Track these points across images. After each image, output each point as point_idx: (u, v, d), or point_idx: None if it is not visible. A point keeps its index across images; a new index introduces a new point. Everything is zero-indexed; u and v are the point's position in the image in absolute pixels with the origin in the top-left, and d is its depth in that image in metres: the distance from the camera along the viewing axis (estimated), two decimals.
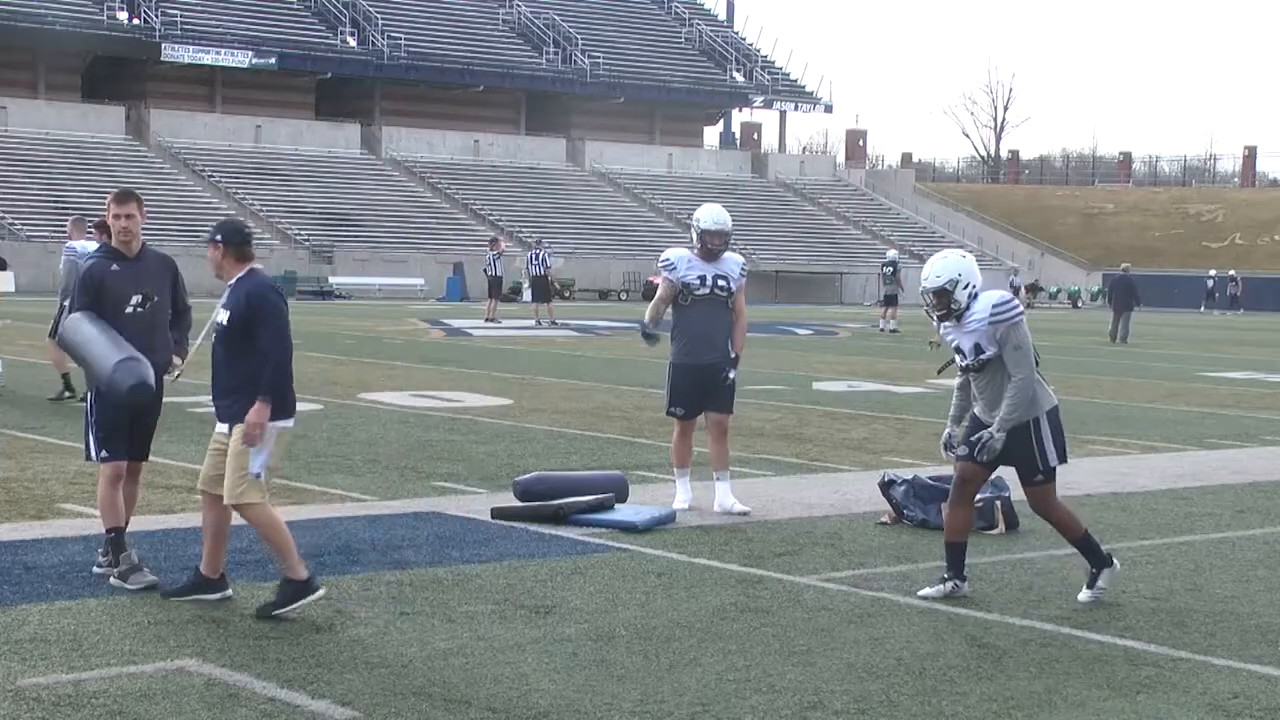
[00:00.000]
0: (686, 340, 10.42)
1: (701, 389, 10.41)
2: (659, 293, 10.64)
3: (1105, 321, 37.33)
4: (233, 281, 7.36)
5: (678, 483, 10.58)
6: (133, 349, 7.64)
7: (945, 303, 7.87)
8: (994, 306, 7.80)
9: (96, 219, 13.98)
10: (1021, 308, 7.97)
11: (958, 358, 8.01)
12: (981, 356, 7.83)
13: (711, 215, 10.44)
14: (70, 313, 7.95)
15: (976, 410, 8.01)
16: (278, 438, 7.29)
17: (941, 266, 7.92)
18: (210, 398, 7.46)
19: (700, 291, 10.32)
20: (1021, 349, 7.76)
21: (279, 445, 7.33)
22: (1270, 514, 11.01)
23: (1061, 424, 7.98)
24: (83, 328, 7.72)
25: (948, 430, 8.22)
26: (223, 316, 7.32)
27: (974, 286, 7.89)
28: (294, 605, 7.11)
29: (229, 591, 7.40)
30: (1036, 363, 7.89)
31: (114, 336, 7.66)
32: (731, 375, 10.50)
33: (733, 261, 10.47)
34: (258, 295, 7.27)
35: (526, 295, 47.71)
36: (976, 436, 7.82)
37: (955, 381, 8.23)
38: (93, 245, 16.22)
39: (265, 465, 7.25)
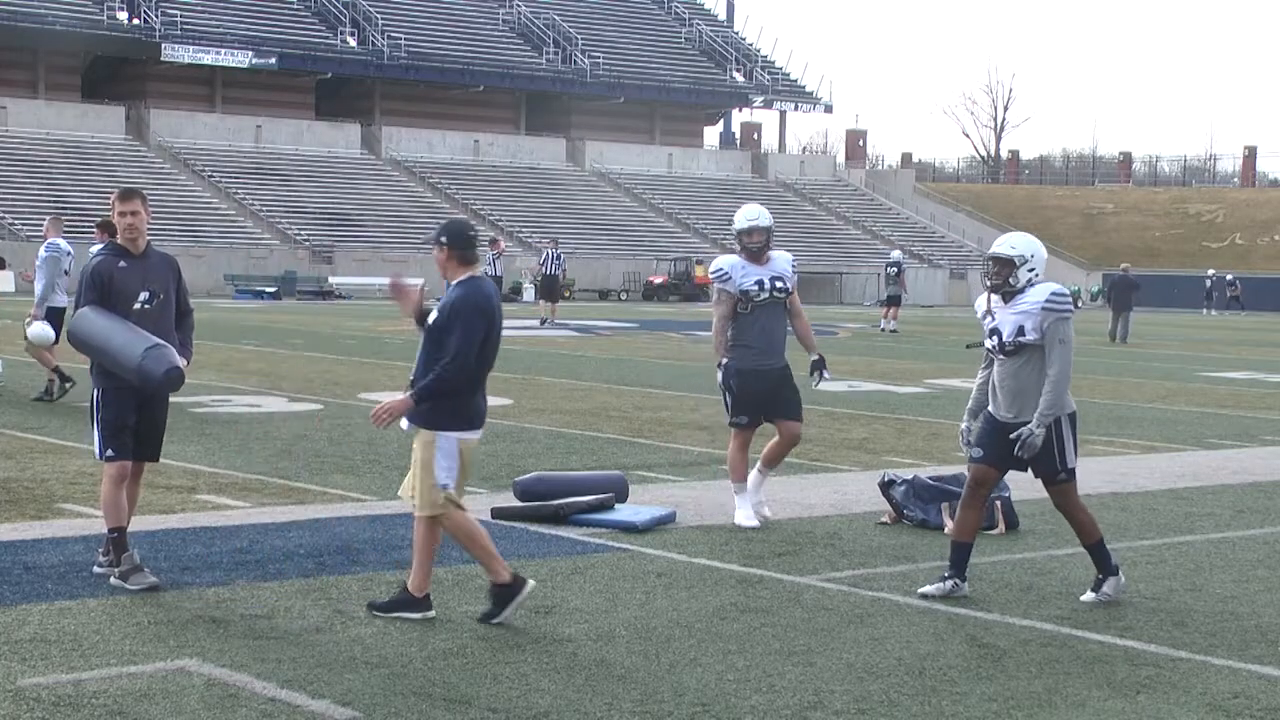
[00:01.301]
0: (751, 347, 9.86)
1: (768, 397, 9.92)
2: (719, 311, 9.97)
3: (1105, 321, 37.31)
4: (453, 283, 7.31)
5: (738, 499, 9.94)
6: (150, 335, 7.65)
7: (1005, 275, 7.89)
8: (1053, 294, 7.85)
9: (98, 218, 14.03)
10: (1072, 306, 8.00)
11: (990, 341, 7.99)
12: (1021, 339, 7.82)
13: (745, 214, 9.99)
14: (77, 309, 7.95)
15: (991, 407, 8.01)
16: (461, 450, 7.18)
17: (1019, 240, 8.00)
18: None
19: (761, 297, 9.84)
20: (1066, 344, 7.79)
21: (464, 458, 7.22)
22: (1270, 514, 11.01)
23: (1077, 429, 8.01)
24: (95, 320, 7.71)
25: (965, 423, 8.23)
26: (432, 317, 7.27)
27: (1037, 273, 7.93)
28: (509, 609, 7.06)
29: (432, 613, 7.20)
30: None
31: (130, 326, 7.68)
32: (827, 375, 10.26)
33: (783, 260, 10.07)
34: (462, 301, 7.17)
35: (528, 295, 47.73)
36: (1017, 434, 7.81)
37: (977, 378, 8.23)
38: (64, 243, 16.32)
39: (452, 476, 7.15)
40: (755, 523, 9.76)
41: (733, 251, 10.12)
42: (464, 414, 7.19)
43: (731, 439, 10.10)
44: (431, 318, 7.23)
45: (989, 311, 8.03)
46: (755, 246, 9.91)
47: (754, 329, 9.88)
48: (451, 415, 7.15)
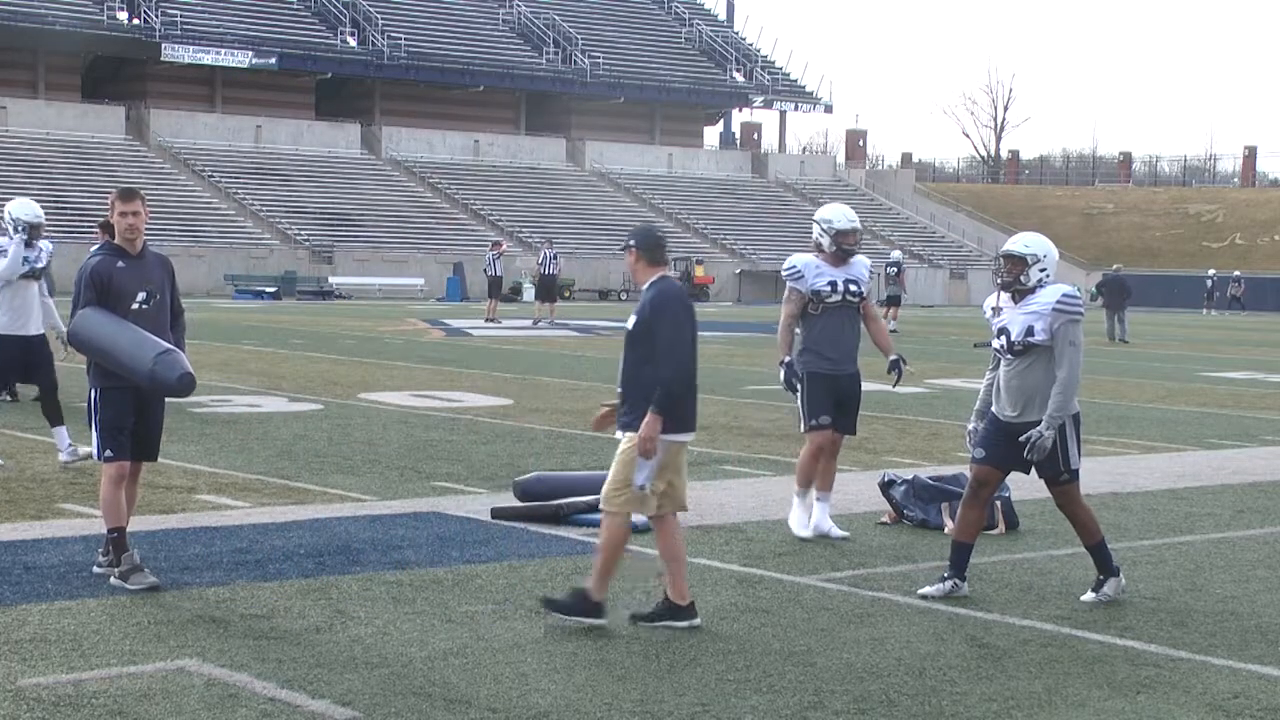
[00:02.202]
0: (823, 351, 9.57)
1: (838, 402, 9.63)
2: (787, 309, 9.66)
3: (1103, 322, 37.32)
4: (644, 287, 7.33)
5: (798, 503, 9.65)
6: (159, 340, 7.65)
7: (1017, 273, 7.89)
8: (1065, 295, 7.85)
9: (99, 219, 14.00)
10: (1084, 308, 7.99)
11: (997, 341, 7.99)
12: (1030, 339, 7.82)
13: (844, 214, 9.71)
14: (76, 310, 7.93)
15: (995, 407, 8.00)
16: (668, 451, 7.17)
17: (1033, 240, 8.00)
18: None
19: (832, 299, 9.55)
20: (1076, 347, 7.79)
21: (669, 459, 7.19)
22: (1270, 514, 11.01)
23: (1080, 430, 8.01)
24: (100, 322, 7.71)
25: (972, 424, 8.22)
26: (630, 321, 7.28)
27: (1048, 274, 7.93)
28: (573, 618, 7.02)
29: (698, 620, 7.15)
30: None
31: (135, 329, 7.67)
32: (907, 368, 10.03)
33: (861, 264, 9.77)
34: (659, 301, 7.18)
35: (528, 295, 47.70)
36: (1025, 436, 7.80)
37: (984, 378, 8.22)
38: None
39: (650, 479, 7.12)
40: (808, 533, 9.46)
41: (803, 252, 9.83)
42: (675, 415, 7.17)
43: (809, 442, 9.59)
44: (631, 323, 7.24)
45: (996, 308, 8.02)
46: (849, 247, 9.65)
47: (823, 332, 9.57)
48: (667, 420, 7.12)
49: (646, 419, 7.05)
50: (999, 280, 8.01)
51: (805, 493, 9.61)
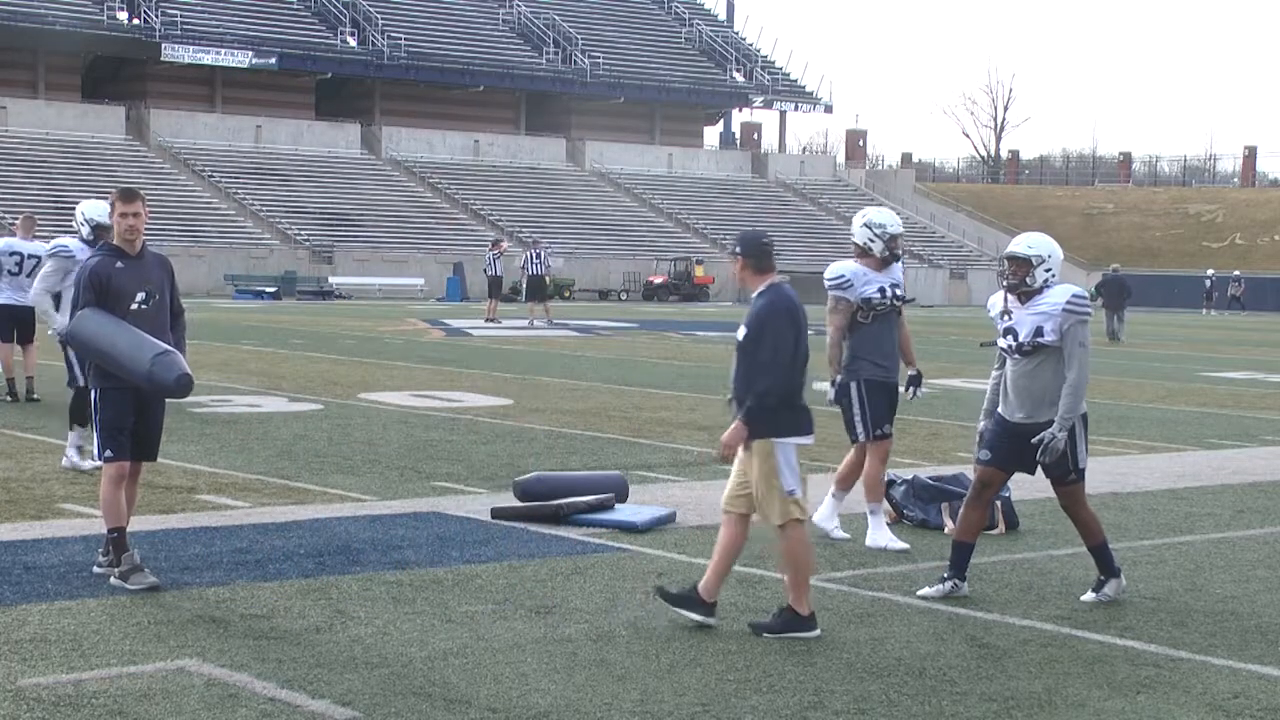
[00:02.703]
0: (876, 359, 9.41)
1: (891, 409, 9.45)
2: (836, 321, 9.46)
3: (1103, 321, 37.34)
4: (754, 294, 7.32)
5: (832, 503, 9.56)
6: (158, 341, 7.65)
7: (1022, 274, 7.88)
8: (1074, 296, 7.84)
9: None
10: (1091, 310, 7.98)
11: (1004, 341, 7.98)
12: (1038, 340, 7.81)
13: (893, 218, 9.56)
14: (73, 311, 7.94)
15: (1001, 408, 8.00)
16: (796, 453, 7.18)
17: (1037, 240, 7.97)
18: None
19: (881, 305, 9.43)
20: (1085, 348, 7.78)
21: (796, 461, 7.21)
22: (1270, 514, 11.01)
23: (1087, 429, 8.02)
24: (98, 324, 7.70)
25: (981, 423, 8.22)
26: (740, 332, 7.28)
27: (1053, 274, 7.91)
28: (786, 633, 6.99)
29: (712, 620, 7.17)
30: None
31: (134, 330, 7.67)
32: (922, 393, 9.80)
33: (898, 267, 9.69)
34: (768, 310, 7.17)
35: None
36: (1038, 439, 7.78)
37: (990, 378, 8.22)
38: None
39: (797, 480, 7.13)
40: (840, 533, 9.41)
41: (847, 257, 9.68)
42: (795, 419, 7.18)
43: (877, 453, 9.39)
44: (740, 333, 7.24)
45: (1006, 311, 8.00)
46: (900, 252, 9.59)
47: (874, 339, 9.43)
48: (784, 422, 7.13)
49: (734, 425, 7.09)
50: (1005, 283, 7.99)
51: (844, 495, 9.51)
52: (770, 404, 7.08)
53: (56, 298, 11.72)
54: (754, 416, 7.07)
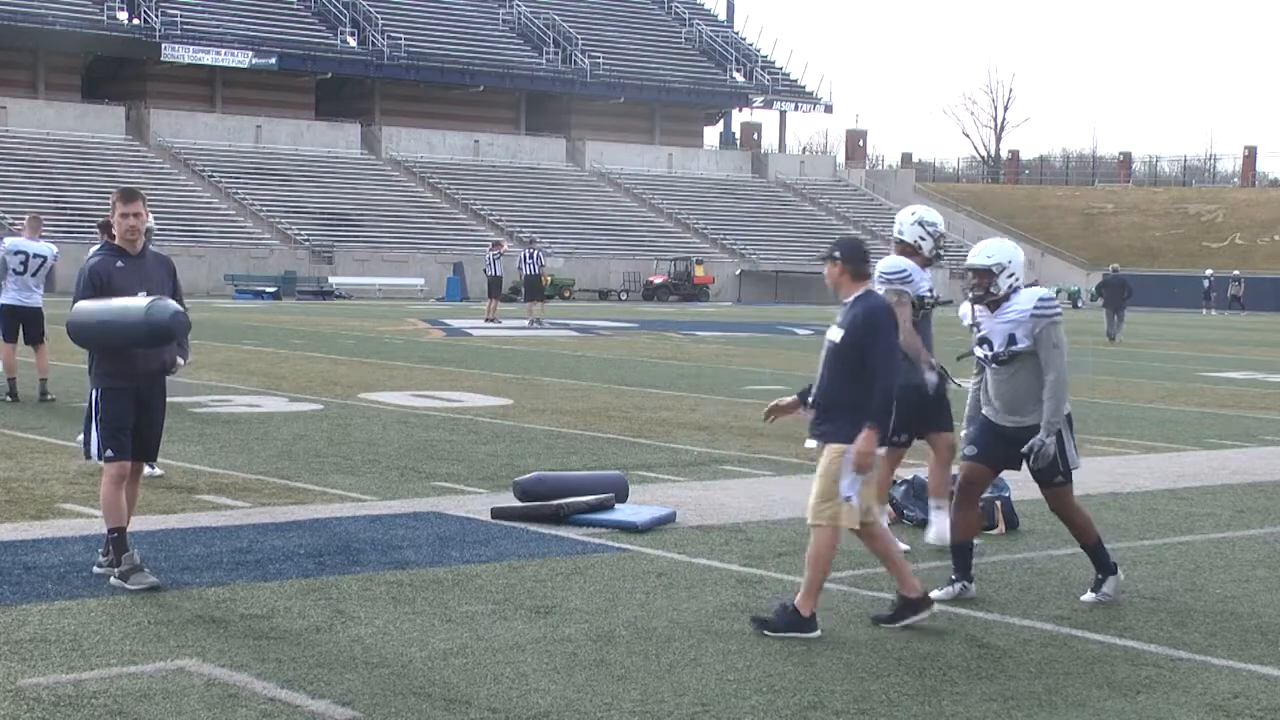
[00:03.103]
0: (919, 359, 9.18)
1: (925, 409, 9.26)
2: (905, 313, 9.02)
3: (1103, 321, 37.32)
4: (849, 300, 7.32)
5: (936, 513, 9.34)
6: (142, 294, 7.69)
7: (986, 284, 7.88)
8: (1040, 300, 7.83)
9: (99, 219, 14.00)
10: (1061, 309, 7.96)
11: (980, 350, 7.98)
12: (1013, 348, 7.81)
13: (935, 216, 9.38)
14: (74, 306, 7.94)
15: (987, 413, 7.99)
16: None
17: (995, 248, 7.95)
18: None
19: (930, 303, 9.37)
20: (1059, 348, 7.77)
21: (872, 470, 7.22)
22: (1270, 514, 11.01)
23: (1073, 428, 8.01)
24: (87, 309, 7.75)
25: (965, 429, 8.22)
26: (835, 335, 7.30)
27: (1017, 278, 7.90)
28: (785, 635, 6.96)
29: (935, 608, 7.20)
30: None
31: (118, 301, 7.70)
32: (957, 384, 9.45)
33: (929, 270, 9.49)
34: (871, 315, 7.19)
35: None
36: (1028, 446, 7.76)
37: (971, 383, 8.21)
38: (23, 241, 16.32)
39: (857, 489, 7.14)
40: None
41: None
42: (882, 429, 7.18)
43: (885, 460, 8.85)
44: (837, 336, 7.26)
45: (975, 323, 8.02)
46: (943, 253, 9.44)
47: (923, 339, 9.31)
48: (859, 428, 7.12)
49: (864, 434, 7.07)
50: (969, 295, 7.99)
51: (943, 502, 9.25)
52: (889, 402, 7.13)
53: None
54: (880, 419, 7.10)
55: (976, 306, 7.95)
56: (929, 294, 9.37)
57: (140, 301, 7.64)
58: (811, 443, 7.31)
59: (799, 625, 7.03)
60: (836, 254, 7.39)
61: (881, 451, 7.32)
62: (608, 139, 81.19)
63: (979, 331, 7.97)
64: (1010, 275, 7.87)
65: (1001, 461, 7.97)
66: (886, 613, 7.30)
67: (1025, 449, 7.76)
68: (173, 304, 7.70)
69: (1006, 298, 7.88)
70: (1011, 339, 7.81)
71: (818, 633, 7.05)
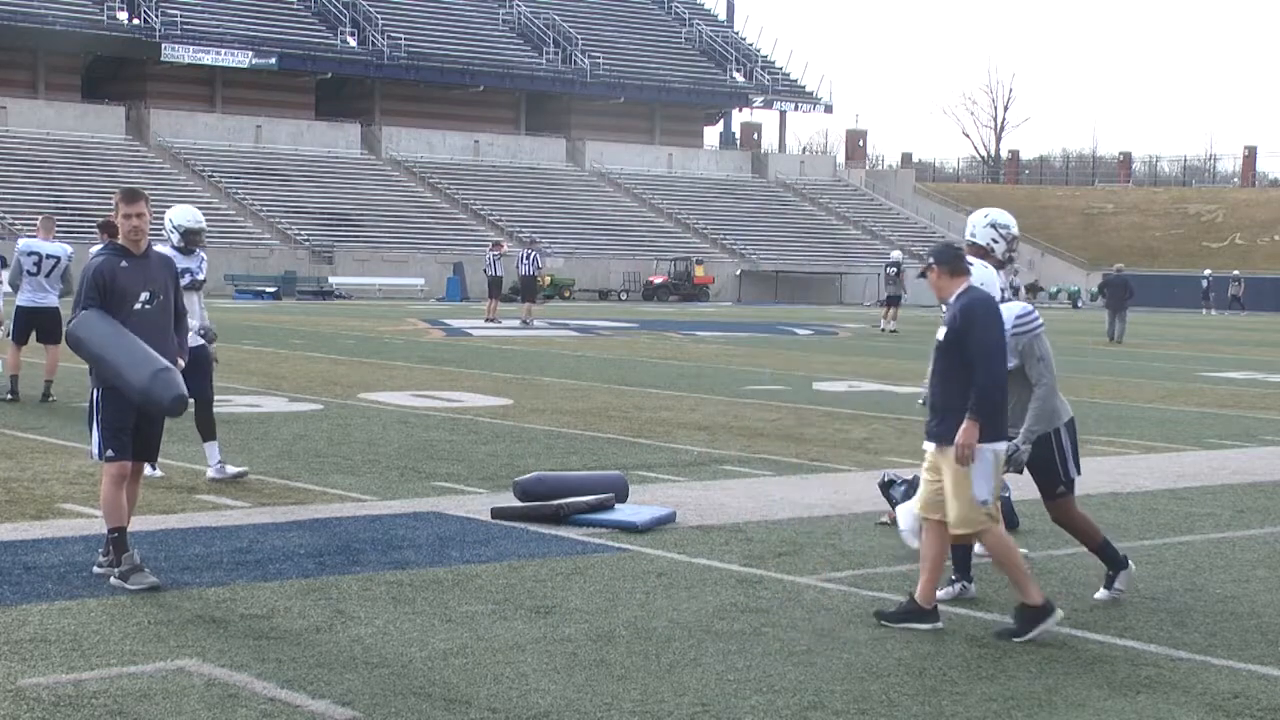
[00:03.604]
0: None
1: None
2: None
3: (1104, 321, 37.32)
4: (951, 299, 7.37)
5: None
6: (159, 356, 7.62)
7: None
8: (1017, 318, 7.77)
9: (99, 218, 14.01)
10: (1042, 319, 7.93)
11: None
12: None
13: (1010, 218, 9.18)
14: (77, 311, 7.90)
15: None
16: (995, 461, 7.22)
17: None
18: None
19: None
20: (1044, 360, 7.74)
21: (997, 468, 7.25)
22: (1270, 514, 11.01)
23: (1076, 436, 7.98)
24: (101, 331, 7.66)
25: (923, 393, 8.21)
26: (940, 333, 7.33)
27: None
28: (1034, 631, 7.02)
29: (940, 624, 7.22)
30: None
31: (136, 342, 7.62)
32: None
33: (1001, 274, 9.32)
34: (969, 310, 7.23)
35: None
36: (1008, 449, 7.77)
37: None
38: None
39: (991, 490, 7.18)
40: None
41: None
42: (996, 424, 7.21)
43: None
44: (941, 334, 7.31)
45: None
46: (1014, 258, 9.25)
47: None
48: (988, 426, 7.16)
49: (964, 426, 7.11)
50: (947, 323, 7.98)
51: None
52: (996, 397, 7.15)
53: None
54: (983, 414, 7.12)
55: None
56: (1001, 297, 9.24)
57: (150, 365, 7.53)
58: (929, 445, 7.35)
59: (1036, 618, 7.05)
60: (931, 261, 7.46)
61: (1001, 447, 7.29)
62: (608, 139, 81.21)
63: None
64: None
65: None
66: (890, 609, 7.34)
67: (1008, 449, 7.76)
68: (178, 384, 7.59)
69: None
70: None
71: (1060, 614, 7.10)
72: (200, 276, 11.36)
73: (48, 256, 16.15)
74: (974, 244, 9.16)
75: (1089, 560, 8.13)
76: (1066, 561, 8.84)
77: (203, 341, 11.20)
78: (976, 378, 7.14)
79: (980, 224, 9.13)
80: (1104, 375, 24.10)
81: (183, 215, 11.38)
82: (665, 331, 35.33)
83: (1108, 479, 12.25)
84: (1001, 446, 7.28)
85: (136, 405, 7.69)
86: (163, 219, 11.40)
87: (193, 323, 10.92)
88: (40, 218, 17.45)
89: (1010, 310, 7.84)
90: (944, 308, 7.50)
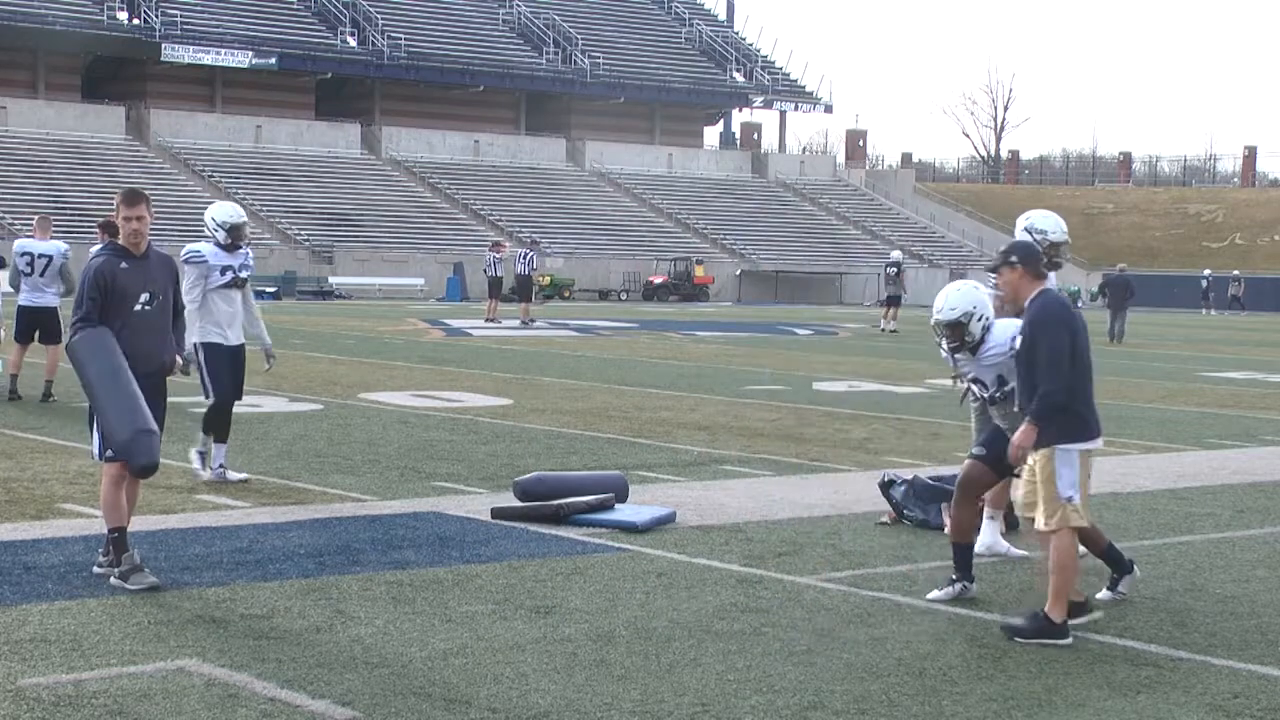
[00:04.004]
0: None
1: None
2: None
3: (1105, 321, 37.30)
4: (1027, 302, 7.34)
5: (990, 525, 9.20)
6: (148, 415, 7.54)
7: (959, 335, 7.86)
8: (1014, 336, 7.73)
9: (99, 218, 14.00)
10: None
11: (975, 389, 8.00)
12: (1006, 388, 7.82)
13: (1058, 224, 8.96)
14: (79, 312, 7.86)
15: (999, 423, 7.98)
16: (1082, 460, 7.22)
17: (957, 299, 7.90)
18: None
19: None
20: None
21: (1084, 468, 7.25)
22: (1270, 514, 11.01)
23: None
24: (100, 361, 7.56)
25: (974, 435, 8.22)
26: (1016, 341, 7.34)
27: (988, 318, 7.86)
28: (1037, 641, 6.99)
29: (1069, 640, 7.10)
30: None
31: (129, 387, 7.53)
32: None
33: (1053, 279, 8.93)
34: (1041, 315, 7.22)
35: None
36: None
37: (972, 410, 8.18)
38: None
39: (1075, 488, 7.17)
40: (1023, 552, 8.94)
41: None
42: (1079, 424, 7.22)
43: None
44: (1016, 342, 7.30)
45: (959, 373, 8.04)
46: (1060, 261, 8.95)
47: None
48: (1067, 427, 7.17)
49: (1023, 428, 7.15)
50: (945, 348, 7.97)
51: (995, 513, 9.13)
52: (1055, 405, 7.14)
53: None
54: (1040, 419, 7.13)
55: (958, 355, 7.95)
56: None
57: (135, 423, 7.42)
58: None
59: (1051, 632, 7.02)
60: (1014, 258, 7.38)
61: (1088, 445, 7.26)
62: (608, 139, 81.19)
63: (967, 372, 7.98)
64: (980, 319, 7.85)
65: (1006, 469, 7.94)
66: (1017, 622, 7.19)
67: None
68: (155, 451, 7.52)
69: (983, 340, 7.86)
70: (1001, 380, 7.82)
71: (1069, 640, 7.04)
72: (244, 275, 11.19)
73: (40, 256, 16.14)
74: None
75: (1092, 562, 8.11)
76: None
77: (243, 342, 11.18)
78: (1041, 383, 7.15)
79: (1019, 228, 9.02)
80: (1105, 375, 24.02)
81: (224, 212, 11.20)
82: (665, 331, 35.32)
83: (1108, 479, 12.24)
84: (1089, 445, 7.27)
85: (144, 392, 7.70)
86: (203, 217, 11.32)
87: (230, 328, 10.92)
88: (36, 218, 17.43)
89: (1006, 329, 7.81)
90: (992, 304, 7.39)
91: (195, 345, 10.70)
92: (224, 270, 11.07)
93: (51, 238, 16.65)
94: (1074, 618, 7.19)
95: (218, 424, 10.97)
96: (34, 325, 16.18)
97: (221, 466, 10.97)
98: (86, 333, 7.73)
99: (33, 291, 16.12)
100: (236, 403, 11.20)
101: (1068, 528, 7.18)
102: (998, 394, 7.85)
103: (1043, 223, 8.94)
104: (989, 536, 9.10)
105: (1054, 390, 7.13)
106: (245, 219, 11.32)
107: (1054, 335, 7.17)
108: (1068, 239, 8.89)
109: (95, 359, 7.64)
